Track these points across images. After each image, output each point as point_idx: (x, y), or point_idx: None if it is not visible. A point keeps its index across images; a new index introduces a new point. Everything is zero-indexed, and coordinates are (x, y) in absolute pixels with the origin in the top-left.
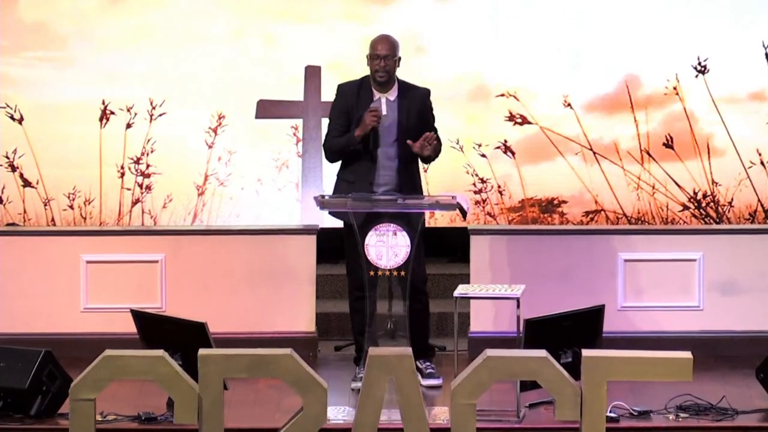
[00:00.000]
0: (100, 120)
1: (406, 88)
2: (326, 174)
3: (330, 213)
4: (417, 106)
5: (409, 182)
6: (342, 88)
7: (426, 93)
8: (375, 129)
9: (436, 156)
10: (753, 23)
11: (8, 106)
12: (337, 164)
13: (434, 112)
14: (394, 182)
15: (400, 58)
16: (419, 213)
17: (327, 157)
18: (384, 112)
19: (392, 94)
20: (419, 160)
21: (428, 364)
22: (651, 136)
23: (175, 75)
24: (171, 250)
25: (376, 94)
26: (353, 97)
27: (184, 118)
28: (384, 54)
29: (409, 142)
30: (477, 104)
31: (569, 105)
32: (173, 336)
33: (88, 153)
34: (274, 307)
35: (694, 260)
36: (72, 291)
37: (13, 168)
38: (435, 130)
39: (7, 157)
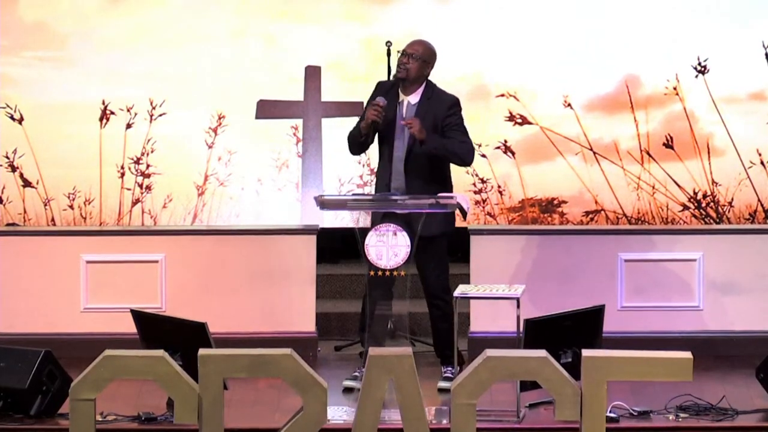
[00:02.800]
0: (100, 120)
1: (431, 93)
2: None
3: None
4: (435, 112)
5: (422, 187)
6: (378, 85)
7: (451, 98)
8: (378, 125)
9: (448, 151)
10: (753, 23)
11: (8, 106)
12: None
13: (461, 116)
14: (404, 186)
15: (429, 64)
16: (419, 214)
17: (348, 147)
18: (403, 114)
19: (415, 97)
20: (445, 161)
21: (449, 368)
22: (651, 136)
23: (175, 75)
24: (171, 250)
25: (401, 96)
26: (383, 94)
27: (184, 118)
28: (410, 52)
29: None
30: (477, 104)
31: (569, 105)
32: (173, 336)
33: (88, 153)
34: (274, 307)
35: (694, 260)
36: (72, 291)
37: (13, 168)
38: (463, 133)
39: (7, 157)
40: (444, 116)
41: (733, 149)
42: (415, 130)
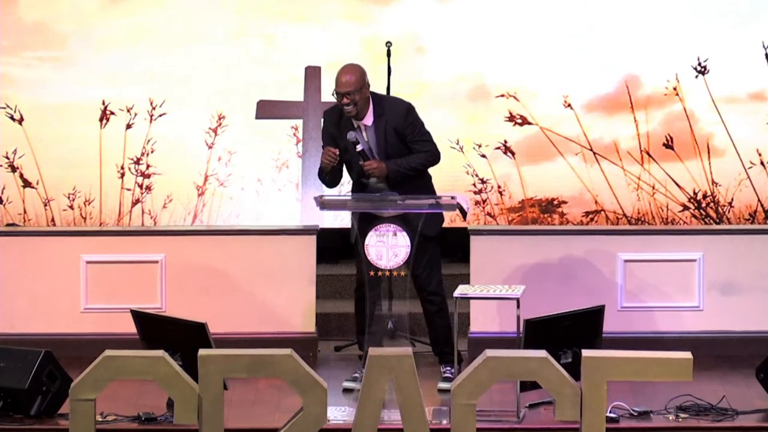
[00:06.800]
0: (100, 120)
1: (382, 108)
2: None
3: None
4: (394, 124)
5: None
6: (326, 115)
7: (403, 109)
8: (362, 155)
9: (409, 170)
10: (753, 23)
11: (8, 106)
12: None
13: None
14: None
15: (368, 85)
16: (418, 214)
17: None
18: (365, 138)
19: (369, 119)
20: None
21: (448, 368)
22: (651, 136)
23: (175, 75)
24: (171, 250)
25: (355, 122)
26: (335, 125)
27: (184, 118)
28: (345, 91)
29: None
30: (477, 104)
31: (569, 105)
32: (173, 336)
33: (88, 153)
34: (274, 307)
35: (694, 260)
36: (72, 291)
37: (13, 168)
38: (425, 141)
39: (7, 157)
40: (403, 127)
41: (733, 149)
42: (377, 173)
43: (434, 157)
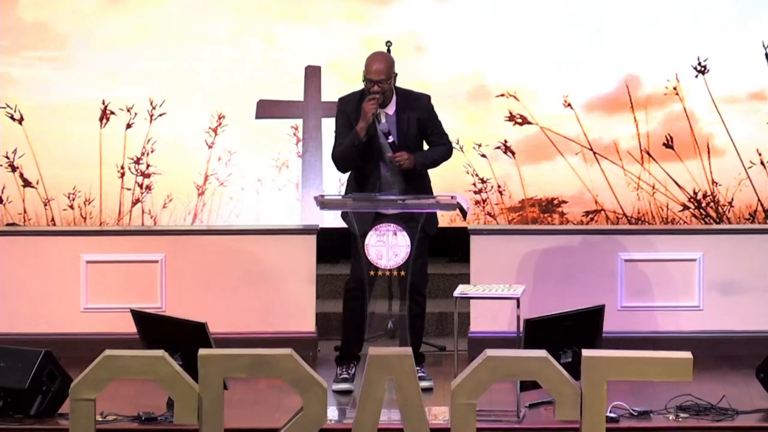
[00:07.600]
0: (100, 120)
1: (405, 99)
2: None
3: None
4: (416, 116)
5: (416, 192)
6: (343, 101)
7: (426, 100)
8: (375, 138)
9: (431, 163)
10: (753, 23)
11: (8, 106)
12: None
13: (437, 114)
14: (403, 189)
15: (396, 75)
16: (419, 214)
17: (337, 167)
18: (386, 129)
19: (391, 108)
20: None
21: (418, 368)
22: (651, 136)
23: (175, 75)
24: (171, 250)
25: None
26: (354, 111)
27: (184, 118)
28: (378, 79)
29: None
30: (477, 104)
31: (569, 105)
32: (173, 336)
33: (88, 153)
34: (274, 307)
35: (694, 260)
36: (72, 291)
37: (13, 168)
38: (442, 134)
39: (7, 157)
40: (426, 119)
41: (733, 149)
42: (407, 164)
43: (450, 152)
